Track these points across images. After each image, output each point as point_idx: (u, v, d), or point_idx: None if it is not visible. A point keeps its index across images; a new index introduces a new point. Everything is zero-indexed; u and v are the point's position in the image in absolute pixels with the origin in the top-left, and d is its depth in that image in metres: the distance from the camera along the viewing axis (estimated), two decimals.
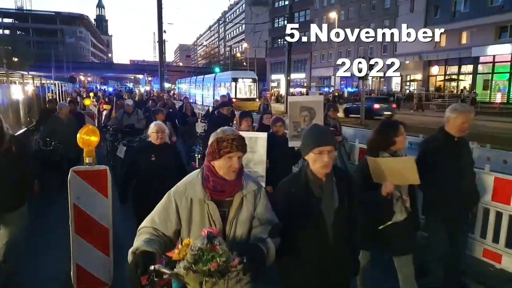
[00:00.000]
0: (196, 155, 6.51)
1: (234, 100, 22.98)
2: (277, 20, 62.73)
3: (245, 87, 27.79)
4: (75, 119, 8.05)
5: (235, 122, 6.86)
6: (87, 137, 3.53)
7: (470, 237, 4.60)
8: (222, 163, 1.91)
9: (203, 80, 35.45)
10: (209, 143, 1.97)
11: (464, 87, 33.95)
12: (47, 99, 13.67)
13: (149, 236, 1.89)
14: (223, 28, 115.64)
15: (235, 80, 27.81)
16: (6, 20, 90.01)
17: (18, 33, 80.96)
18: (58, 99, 16.99)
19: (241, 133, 3.87)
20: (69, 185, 3.43)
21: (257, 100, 26.77)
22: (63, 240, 3.71)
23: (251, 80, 28.43)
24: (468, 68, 34.03)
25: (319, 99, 4.37)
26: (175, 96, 38.35)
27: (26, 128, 8.86)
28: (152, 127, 4.17)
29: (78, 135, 3.56)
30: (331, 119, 6.77)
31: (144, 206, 3.77)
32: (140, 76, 60.58)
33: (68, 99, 18.43)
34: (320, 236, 2.19)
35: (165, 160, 4.11)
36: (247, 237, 1.98)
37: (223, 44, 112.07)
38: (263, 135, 4.28)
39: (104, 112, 13.31)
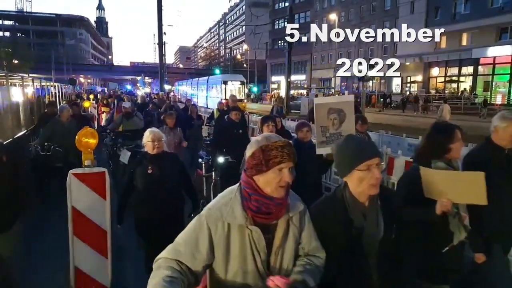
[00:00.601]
0: (202, 162, 6.12)
1: (224, 101, 24.13)
2: (277, 22, 62.84)
3: (234, 89, 29.97)
4: (77, 122, 7.71)
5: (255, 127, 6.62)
6: (86, 140, 3.52)
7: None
8: (270, 177, 1.57)
9: (198, 83, 38.59)
10: (248, 154, 1.64)
11: (465, 89, 33.96)
12: (46, 102, 13.36)
13: (170, 273, 1.51)
14: (223, 29, 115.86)
15: (225, 82, 30.67)
16: (6, 22, 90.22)
17: (18, 35, 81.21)
18: (58, 101, 16.99)
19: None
20: (67, 188, 3.42)
21: (245, 100, 31.52)
22: (62, 242, 3.70)
23: (239, 82, 31.29)
24: (469, 69, 34.04)
25: (349, 99, 3.87)
26: (175, 98, 38.51)
27: (26, 130, 8.85)
28: (147, 135, 3.63)
29: (76, 138, 3.55)
30: (359, 133, 5.94)
31: (147, 231, 3.61)
32: (138, 78, 60.56)
33: (72, 102, 18.43)
34: (361, 275, 1.81)
35: (164, 172, 3.58)
36: (291, 270, 1.67)
37: (223, 45, 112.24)
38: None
39: (103, 115, 13.07)
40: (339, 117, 3.77)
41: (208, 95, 34.07)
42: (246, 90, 38.70)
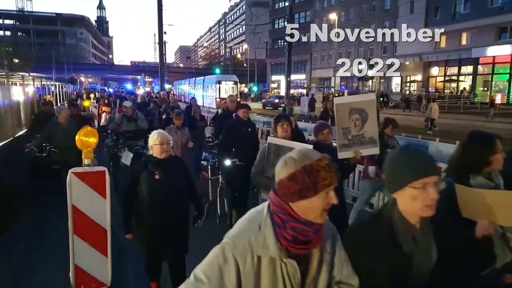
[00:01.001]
0: (208, 164, 5.79)
1: (218, 100, 29.27)
2: (277, 21, 62.82)
3: (227, 88, 32.64)
4: (76, 123, 7.36)
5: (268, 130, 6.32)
6: (86, 139, 3.55)
7: None
8: (316, 202, 1.32)
9: (195, 82, 41.55)
10: (284, 175, 1.36)
11: (464, 88, 33.98)
12: (42, 101, 13.17)
13: None
14: (223, 29, 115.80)
15: (219, 82, 33.48)
16: (7, 21, 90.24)
17: (19, 34, 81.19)
18: (59, 101, 17.01)
19: (278, 142, 3.40)
20: (68, 186, 3.45)
21: (238, 99, 30.44)
22: (62, 240, 3.73)
23: (232, 82, 33.98)
24: (468, 69, 34.05)
25: (371, 97, 3.58)
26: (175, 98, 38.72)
27: (26, 130, 8.87)
28: (154, 137, 3.31)
29: (76, 137, 3.58)
30: (389, 138, 5.43)
31: (150, 238, 3.42)
32: (139, 77, 60.62)
33: (71, 102, 18.40)
34: None
35: (171, 177, 3.35)
36: None
37: (223, 45, 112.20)
38: (308, 146, 3.22)
39: (103, 115, 12.87)
40: (361, 117, 3.52)
41: (204, 94, 36.37)
42: (247, 90, 41.08)
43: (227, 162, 5.31)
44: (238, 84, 35.08)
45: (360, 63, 17.17)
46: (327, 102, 11.11)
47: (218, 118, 8.45)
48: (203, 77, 39.02)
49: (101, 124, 12.60)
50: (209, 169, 5.71)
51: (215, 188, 5.43)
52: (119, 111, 10.11)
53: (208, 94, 35.09)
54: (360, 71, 17.85)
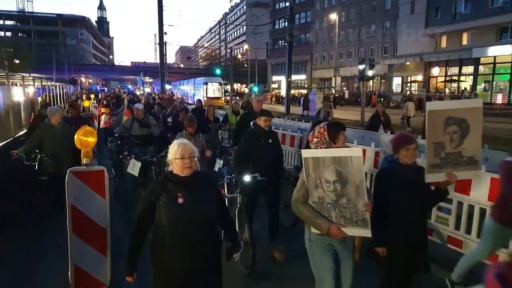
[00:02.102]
0: (224, 180, 4.67)
1: (205, 99, 32.12)
2: (277, 22, 62.82)
3: (213, 89, 38.82)
4: (71, 125, 6.62)
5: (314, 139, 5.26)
6: (85, 138, 3.55)
7: (468, 238, 4.63)
8: None
9: (187, 83, 47.65)
10: None
11: (465, 88, 33.93)
12: (39, 102, 12.19)
13: None
14: (224, 29, 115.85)
15: (206, 83, 39.32)
16: (8, 22, 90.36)
17: (19, 35, 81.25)
18: (59, 102, 17.01)
19: (315, 154, 2.66)
20: (66, 186, 3.45)
21: (222, 98, 38.67)
22: (61, 240, 3.73)
23: (218, 84, 39.91)
24: (469, 69, 34.00)
25: (477, 104, 2.78)
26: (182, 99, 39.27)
27: (26, 130, 8.87)
28: (174, 149, 2.54)
29: (75, 136, 3.57)
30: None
31: (172, 286, 2.54)
32: (138, 77, 60.78)
33: (70, 103, 18.30)
34: None
35: (202, 200, 2.54)
36: None
37: (224, 45, 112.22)
38: (357, 152, 2.52)
39: (103, 116, 12.44)
40: (460, 129, 2.79)
41: (194, 93, 41.84)
42: (247, 90, 43.67)
43: (247, 178, 4.54)
44: (223, 85, 41.11)
45: (360, 63, 17.15)
46: (378, 104, 9.54)
47: (240, 120, 7.55)
48: (194, 79, 44.98)
49: (101, 127, 12.31)
50: (226, 186, 4.75)
51: (233, 210, 4.50)
52: (126, 113, 9.56)
53: (198, 93, 40.22)
54: (360, 71, 17.83)
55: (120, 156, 7.00)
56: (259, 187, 4.60)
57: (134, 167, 5.74)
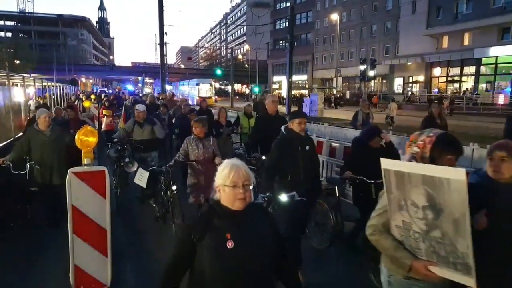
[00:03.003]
0: (257, 201, 3.70)
1: (198, 98, 35.24)
2: (278, 22, 62.83)
3: (205, 89, 44.16)
4: (73, 129, 6.07)
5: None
6: (85, 138, 3.52)
7: None
8: None
9: (183, 84, 52.48)
10: None
11: (467, 89, 33.88)
12: (34, 104, 11.37)
13: None
14: (224, 30, 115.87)
15: (198, 84, 45.32)
16: (8, 23, 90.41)
17: (20, 35, 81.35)
18: (60, 102, 16.98)
19: (402, 168, 1.89)
20: (67, 186, 3.42)
21: (212, 97, 42.11)
22: (62, 240, 3.70)
23: (208, 85, 45.58)
24: (471, 69, 33.95)
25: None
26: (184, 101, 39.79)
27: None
28: (225, 172, 1.92)
29: (76, 136, 3.54)
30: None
31: None
32: (140, 78, 61.07)
33: (68, 104, 18.13)
34: None
35: (258, 247, 1.90)
36: None
37: (224, 46, 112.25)
38: (457, 173, 1.75)
39: (104, 119, 11.97)
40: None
41: (188, 94, 46.04)
42: (248, 90, 51.71)
43: (284, 198, 3.77)
44: (213, 85, 47.30)
45: (361, 63, 17.11)
46: (433, 105, 7.91)
47: (255, 125, 6.80)
48: (189, 80, 51.21)
49: (102, 129, 11.82)
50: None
51: None
52: (125, 116, 9.05)
53: (192, 94, 45.52)
54: (361, 71, 17.79)
55: (122, 164, 6.30)
56: (298, 208, 3.79)
57: (141, 178, 5.19)
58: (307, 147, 4.09)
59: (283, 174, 3.98)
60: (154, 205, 5.86)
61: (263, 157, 5.65)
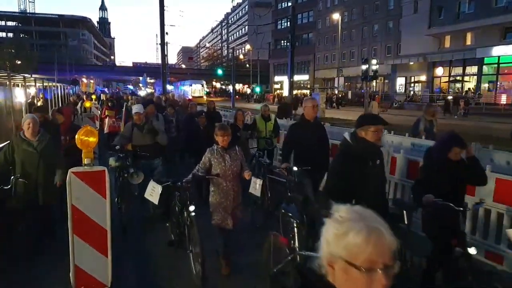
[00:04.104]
0: (293, 222, 3.48)
1: (192, 97, 36.92)
2: (280, 22, 62.83)
3: (197, 90, 48.38)
4: (64, 136, 5.84)
5: None
6: (86, 138, 3.49)
7: (472, 238, 4.56)
8: None
9: (184, 84, 55.06)
10: None
11: (469, 88, 33.80)
12: (24, 105, 10.12)
13: None
14: (226, 30, 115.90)
15: (190, 85, 49.74)
16: (9, 23, 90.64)
17: (21, 36, 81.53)
18: (61, 103, 16.98)
19: None
20: (68, 186, 3.40)
21: (204, 97, 45.63)
22: (62, 240, 3.67)
23: (200, 85, 49.97)
24: (473, 69, 33.87)
25: None
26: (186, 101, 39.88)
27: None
28: (358, 242, 1.05)
29: (76, 136, 3.51)
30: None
31: None
32: (141, 78, 61.49)
33: (58, 108, 16.63)
34: None
35: None
36: None
37: (226, 46, 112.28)
38: None
39: (107, 120, 11.36)
40: None
41: (183, 93, 48.80)
42: (249, 90, 54.98)
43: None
44: (204, 86, 52.07)
45: (363, 63, 17.04)
46: (426, 106, 8.01)
47: (292, 133, 5.39)
48: (184, 81, 55.61)
49: (105, 131, 11.28)
50: (295, 227, 3.29)
51: None
52: (125, 119, 8.30)
53: (186, 92, 49.96)
54: (363, 71, 17.68)
55: (125, 175, 5.52)
56: None
57: (153, 193, 4.44)
58: (378, 161, 3.25)
59: (346, 198, 2.78)
60: (167, 224, 5.01)
61: (295, 168, 4.86)
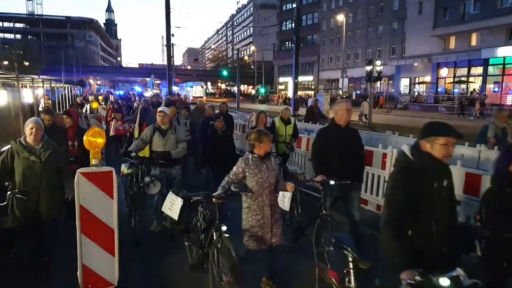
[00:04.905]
0: (348, 256, 2.82)
1: (193, 98, 41.92)
2: (284, 23, 62.87)
3: (197, 90, 54.78)
4: (72, 141, 5.39)
5: None
6: (93, 139, 3.59)
7: None
8: None
9: (190, 85, 59.70)
10: None
11: (474, 89, 33.63)
12: (41, 107, 10.40)
13: None
14: (231, 31, 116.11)
15: (192, 86, 56.81)
16: (18, 25, 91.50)
17: (29, 37, 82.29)
18: (68, 104, 17.17)
19: None
20: (75, 186, 3.49)
21: (203, 97, 44.71)
22: (70, 240, 3.76)
23: (200, 86, 57.66)
24: (478, 70, 33.70)
25: None
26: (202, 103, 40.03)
27: None
28: None
29: (84, 137, 3.59)
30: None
31: None
32: (148, 79, 62.45)
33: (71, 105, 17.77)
34: None
35: None
36: None
37: (231, 47, 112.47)
38: None
39: (113, 122, 10.94)
40: None
41: (187, 94, 53.04)
42: (254, 91, 61.01)
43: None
44: (204, 87, 59.79)
45: (368, 64, 16.99)
46: None
47: (321, 139, 4.66)
48: (186, 83, 61.29)
49: (111, 134, 10.72)
50: (350, 262, 2.79)
51: None
52: (140, 122, 7.54)
53: (189, 94, 53.77)
54: (368, 72, 17.64)
55: (141, 184, 4.90)
56: None
57: (172, 206, 3.94)
58: (445, 182, 2.54)
59: (402, 228, 2.42)
60: (187, 244, 4.38)
61: (332, 182, 4.19)
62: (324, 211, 4.16)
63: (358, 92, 45.40)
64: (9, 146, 4.00)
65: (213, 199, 3.57)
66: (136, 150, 5.21)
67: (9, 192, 3.71)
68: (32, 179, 3.81)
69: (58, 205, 4.07)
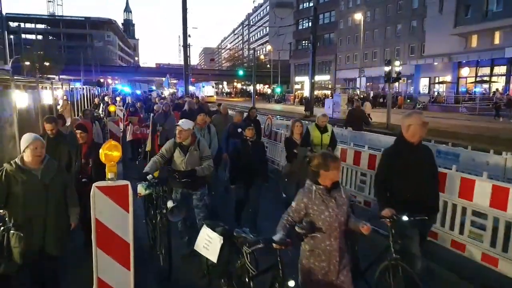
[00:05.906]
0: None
1: (206, 97, 40.07)
2: (301, 22, 62.50)
3: (209, 90, 58.36)
4: (85, 160, 4.76)
5: None
6: (110, 153, 3.54)
7: (504, 256, 4.41)
8: None
9: (204, 85, 62.38)
10: None
11: (497, 89, 32.70)
12: (59, 107, 10.27)
13: None
14: (247, 30, 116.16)
15: (203, 86, 60.16)
16: (39, 25, 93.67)
17: (50, 38, 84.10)
18: (86, 105, 17.39)
19: None
20: (91, 200, 3.46)
21: (214, 96, 55.40)
22: (86, 252, 3.74)
23: (211, 86, 61.29)
24: (501, 69, 32.75)
25: None
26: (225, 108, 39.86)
27: None
28: None
29: (100, 151, 3.56)
30: None
31: None
32: (164, 79, 63.58)
33: (58, 114, 15.20)
34: None
35: None
36: None
37: (247, 46, 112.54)
38: None
39: (129, 127, 10.38)
40: None
41: (199, 93, 54.57)
42: (270, 91, 61.48)
43: None
44: (214, 87, 63.52)
45: (386, 64, 16.67)
46: None
47: (389, 161, 3.79)
48: (199, 83, 63.84)
49: (127, 139, 10.38)
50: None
51: None
52: (152, 133, 6.99)
53: (203, 93, 55.70)
54: (386, 72, 17.28)
55: (164, 211, 4.24)
56: None
57: (210, 245, 3.29)
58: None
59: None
60: None
61: (404, 218, 3.33)
62: (394, 255, 3.29)
63: (387, 91, 44.69)
64: (3, 167, 3.34)
65: (274, 245, 2.79)
66: (152, 170, 4.49)
67: (2, 228, 3.00)
68: (35, 205, 3.27)
69: (66, 237, 3.67)
